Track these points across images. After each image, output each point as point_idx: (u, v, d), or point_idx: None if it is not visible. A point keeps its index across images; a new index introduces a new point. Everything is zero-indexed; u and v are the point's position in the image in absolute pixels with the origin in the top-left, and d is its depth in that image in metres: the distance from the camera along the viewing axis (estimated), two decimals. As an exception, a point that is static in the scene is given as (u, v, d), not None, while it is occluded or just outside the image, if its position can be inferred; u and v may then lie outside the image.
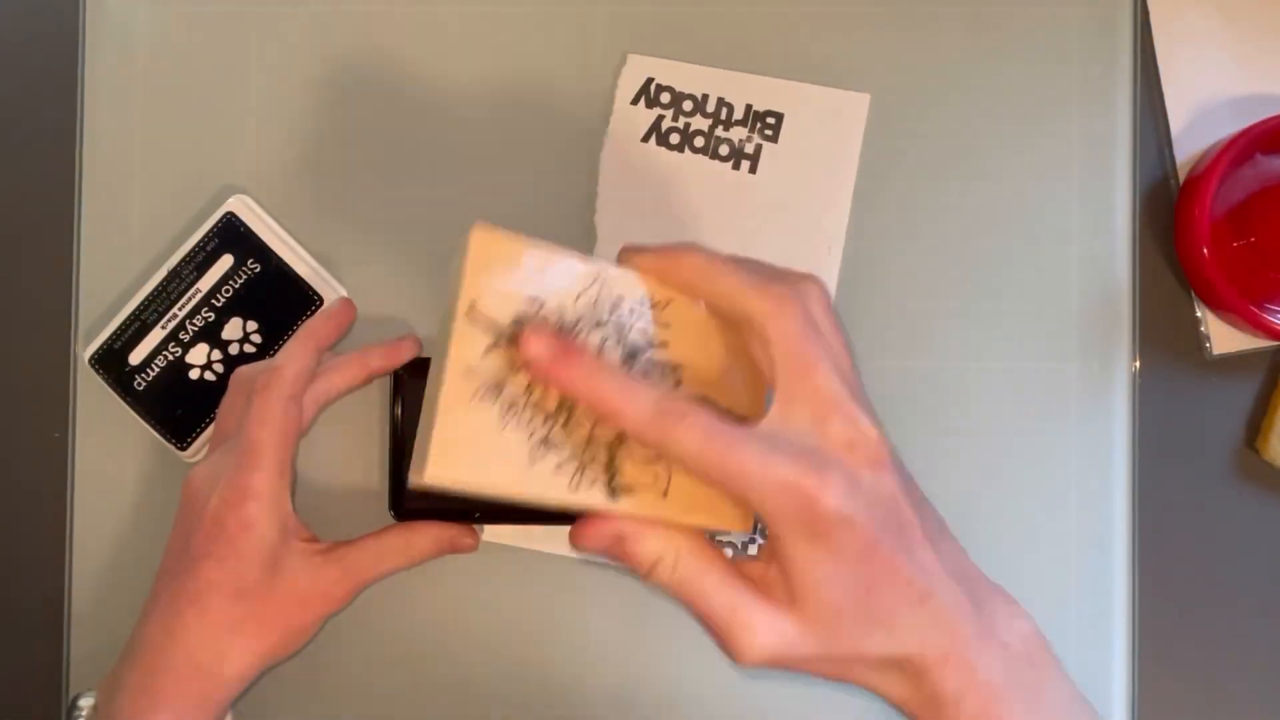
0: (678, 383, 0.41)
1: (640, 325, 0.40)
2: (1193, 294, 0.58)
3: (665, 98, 0.58)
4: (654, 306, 0.41)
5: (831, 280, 0.58)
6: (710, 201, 0.58)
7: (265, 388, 0.50)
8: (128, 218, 0.58)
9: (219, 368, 0.56)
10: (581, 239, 0.58)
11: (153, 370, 0.56)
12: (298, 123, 0.58)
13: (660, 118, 0.58)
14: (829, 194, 0.58)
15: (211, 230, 0.56)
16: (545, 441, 0.39)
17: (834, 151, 0.58)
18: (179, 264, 0.56)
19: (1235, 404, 0.58)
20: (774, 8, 0.58)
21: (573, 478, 0.39)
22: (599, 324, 0.40)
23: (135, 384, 0.56)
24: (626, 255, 0.43)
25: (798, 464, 0.38)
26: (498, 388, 0.38)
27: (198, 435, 0.56)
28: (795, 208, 0.58)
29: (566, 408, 0.39)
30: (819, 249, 0.58)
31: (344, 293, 0.57)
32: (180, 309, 0.56)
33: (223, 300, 0.56)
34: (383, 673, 0.58)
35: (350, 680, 0.57)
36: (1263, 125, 0.55)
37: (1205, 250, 0.55)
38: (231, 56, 0.58)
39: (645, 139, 0.58)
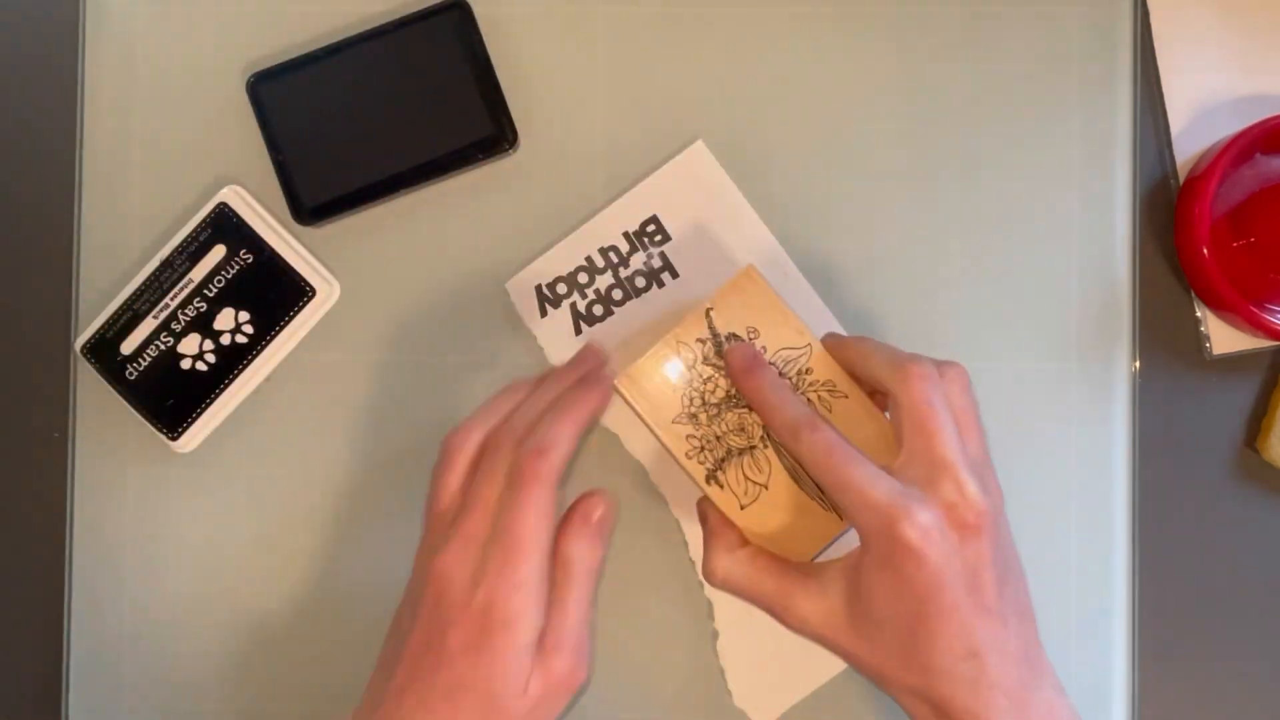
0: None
1: (817, 384, 0.52)
2: (1193, 294, 0.58)
3: (562, 288, 0.57)
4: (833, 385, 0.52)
5: (809, 294, 0.57)
6: (667, 323, 0.55)
7: (535, 476, 0.46)
8: (128, 217, 0.58)
9: (211, 358, 0.56)
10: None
11: (144, 360, 0.56)
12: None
13: (574, 305, 0.57)
14: (746, 237, 0.58)
15: (204, 221, 0.56)
16: (692, 416, 0.52)
17: (716, 203, 0.58)
18: (171, 254, 0.56)
19: (1235, 404, 0.58)
20: (764, 8, 0.58)
21: (689, 450, 0.51)
22: (784, 373, 0.52)
23: (127, 373, 0.56)
24: (825, 341, 0.52)
25: (893, 494, 0.45)
26: (691, 368, 0.52)
27: (189, 425, 0.56)
28: (729, 268, 0.57)
29: (721, 408, 0.52)
30: (775, 280, 0.54)
31: (336, 284, 0.57)
32: (172, 299, 0.56)
33: (215, 290, 0.56)
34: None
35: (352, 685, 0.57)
36: (1263, 125, 0.55)
37: (1205, 250, 0.55)
38: (230, 53, 0.58)
39: (578, 333, 0.57)
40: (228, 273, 0.56)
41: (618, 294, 0.57)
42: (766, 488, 0.51)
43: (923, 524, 0.44)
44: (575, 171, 0.58)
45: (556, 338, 0.57)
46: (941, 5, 0.58)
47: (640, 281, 0.57)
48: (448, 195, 0.58)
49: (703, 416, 0.52)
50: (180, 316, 0.56)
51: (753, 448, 0.51)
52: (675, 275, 0.57)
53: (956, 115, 0.58)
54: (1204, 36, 0.58)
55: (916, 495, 0.45)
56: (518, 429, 0.48)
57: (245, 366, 0.56)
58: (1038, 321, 0.57)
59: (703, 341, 0.52)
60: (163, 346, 0.56)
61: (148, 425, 0.56)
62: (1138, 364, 0.58)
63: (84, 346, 0.56)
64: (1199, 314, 0.58)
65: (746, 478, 0.51)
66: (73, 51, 0.59)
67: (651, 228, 0.57)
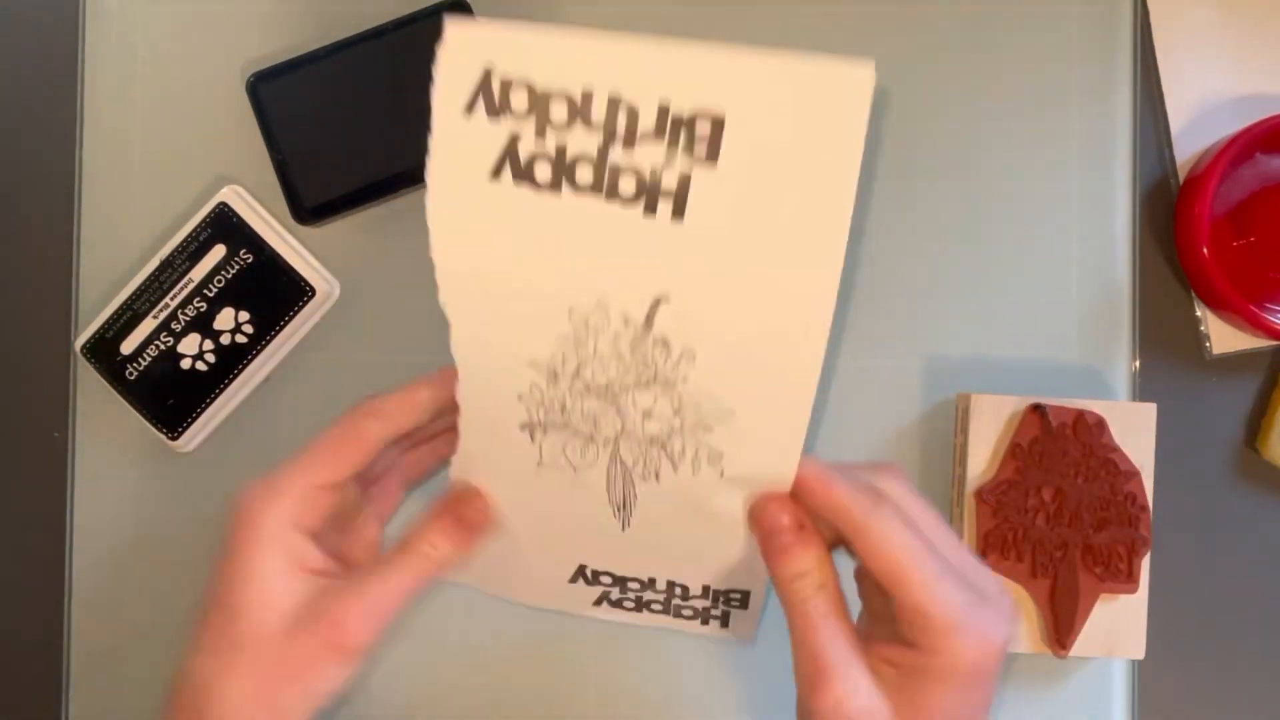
0: None
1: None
2: (1193, 294, 0.58)
3: (519, 100, 0.36)
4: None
5: (811, 378, 0.39)
6: (610, 271, 0.38)
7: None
8: (128, 217, 0.58)
9: (210, 358, 0.56)
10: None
11: (144, 360, 0.56)
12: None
13: (515, 137, 0.37)
14: (809, 235, 0.37)
15: (204, 220, 0.56)
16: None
17: (816, 167, 0.37)
18: (171, 254, 0.56)
19: (1235, 404, 0.58)
20: (765, 7, 0.58)
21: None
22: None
23: (127, 373, 0.56)
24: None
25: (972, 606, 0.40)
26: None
27: (189, 424, 0.56)
28: (750, 268, 0.38)
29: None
30: (790, 328, 0.39)
31: (336, 284, 0.57)
32: (172, 299, 0.56)
33: (215, 290, 0.56)
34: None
35: None
36: (1263, 125, 0.55)
37: (1205, 250, 0.55)
38: (230, 53, 0.58)
39: (496, 174, 0.38)
40: (228, 272, 0.56)
41: (585, 175, 0.37)
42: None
43: (1008, 626, 0.40)
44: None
45: (462, 158, 0.38)
46: (941, 5, 0.58)
47: (627, 187, 0.37)
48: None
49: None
50: (180, 316, 0.56)
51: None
52: (678, 215, 0.37)
53: (957, 115, 0.58)
54: (1204, 36, 0.58)
55: (989, 614, 0.40)
56: None
57: (245, 366, 0.56)
58: (1038, 321, 0.57)
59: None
60: (163, 346, 0.56)
61: (148, 425, 0.56)
62: (1138, 364, 0.58)
63: (84, 346, 0.56)
64: (1199, 314, 0.58)
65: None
66: (73, 51, 0.59)
67: (704, 128, 0.36)
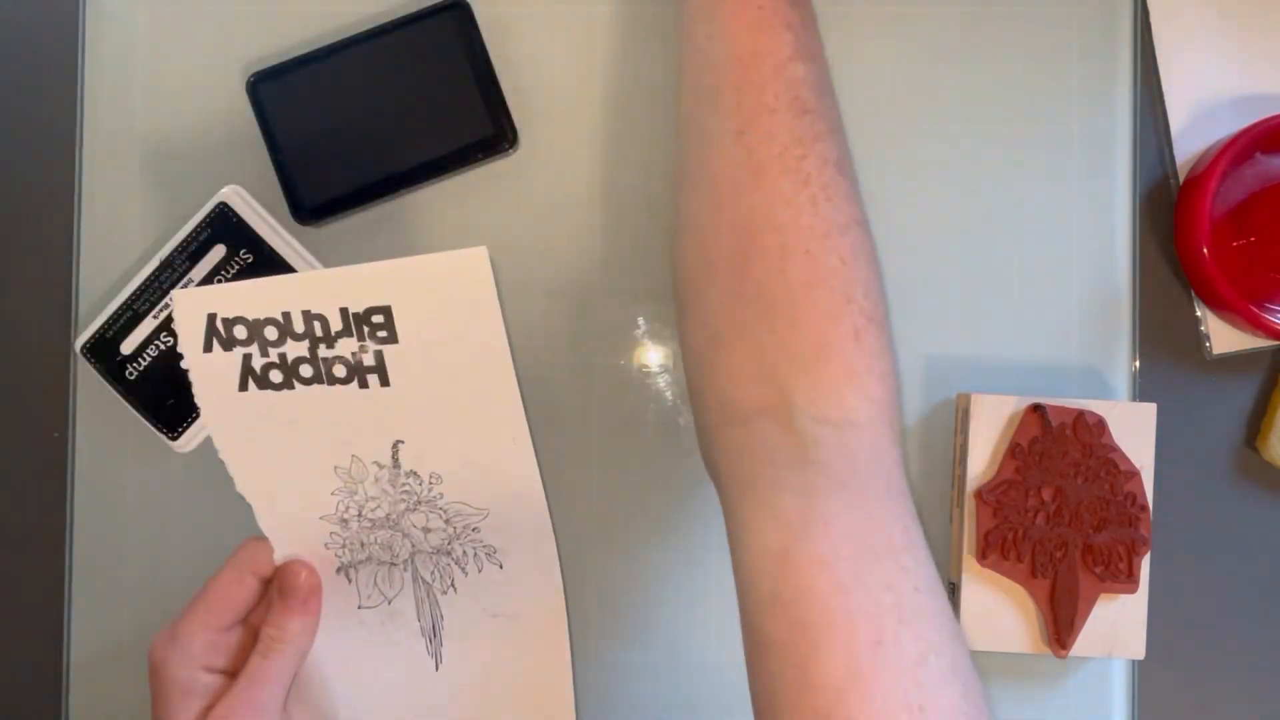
0: None
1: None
2: (1193, 294, 0.58)
3: (240, 331, 0.49)
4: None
5: (532, 476, 0.51)
6: (352, 432, 0.50)
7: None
8: (128, 217, 0.58)
9: (211, 358, 0.56)
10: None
11: (144, 360, 0.56)
12: (294, 114, 0.58)
13: (247, 358, 0.49)
14: (485, 374, 0.49)
15: (204, 220, 0.56)
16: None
17: (469, 325, 0.48)
18: (172, 254, 0.56)
19: (1235, 404, 0.58)
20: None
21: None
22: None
23: (127, 373, 0.56)
24: None
25: None
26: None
27: (189, 425, 0.56)
28: (453, 408, 0.50)
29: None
30: (501, 441, 0.50)
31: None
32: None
33: (216, 290, 0.56)
34: None
35: None
36: (1263, 125, 0.55)
37: (1205, 250, 0.55)
38: (230, 53, 0.58)
39: (244, 387, 0.49)
40: (228, 272, 0.56)
41: (306, 371, 0.49)
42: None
43: None
44: (575, 172, 0.58)
45: (216, 383, 0.49)
46: (941, 5, 0.58)
47: (340, 372, 0.49)
48: (448, 195, 0.58)
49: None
50: (180, 316, 0.56)
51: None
52: (385, 383, 0.49)
53: (956, 115, 0.58)
54: (1204, 36, 0.58)
55: None
56: None
57: (245, 366, 0.56)
58: (1038, 321, 0.57)
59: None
60: (163, 346, 0.56)
61: (148, 425, 0.56)
62: (1138, 364, 0.58)
63: (84, 346, 0.56)
64: (1199, 314, 0.58)
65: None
66: (73, 51, 0.59)
67: (379, 319, 0.48)
